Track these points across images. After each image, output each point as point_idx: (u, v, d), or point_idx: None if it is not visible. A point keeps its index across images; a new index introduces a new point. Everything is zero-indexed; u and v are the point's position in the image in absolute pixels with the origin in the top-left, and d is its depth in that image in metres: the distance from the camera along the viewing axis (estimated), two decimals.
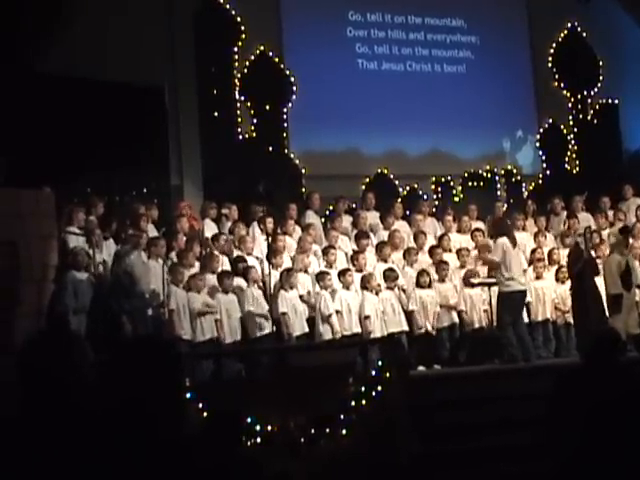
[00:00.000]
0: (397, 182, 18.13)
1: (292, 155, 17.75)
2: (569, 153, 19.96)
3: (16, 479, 3.22)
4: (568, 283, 14.65)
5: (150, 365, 3.44)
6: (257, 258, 13.76)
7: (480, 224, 16.07)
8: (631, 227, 15.20)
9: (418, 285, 14.16)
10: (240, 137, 17.34)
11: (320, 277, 13.58)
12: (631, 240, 15.33)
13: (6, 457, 3.24)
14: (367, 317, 13.58)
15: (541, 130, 19.97)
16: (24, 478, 3.22)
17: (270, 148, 17.40)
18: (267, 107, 17.45)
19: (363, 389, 10.25)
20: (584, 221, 15.96)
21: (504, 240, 13.34)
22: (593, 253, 14.77)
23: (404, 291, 14.16)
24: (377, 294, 13.81)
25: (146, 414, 3.36)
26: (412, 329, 13.96)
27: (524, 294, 13.47)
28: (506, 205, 17.55)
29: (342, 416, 9.94)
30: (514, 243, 13.45)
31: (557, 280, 14.89)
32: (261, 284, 13.27)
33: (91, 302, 12.08)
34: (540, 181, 19.50)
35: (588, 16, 20.39)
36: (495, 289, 14.31)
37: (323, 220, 15.91)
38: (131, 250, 12.56)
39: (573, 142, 19.99)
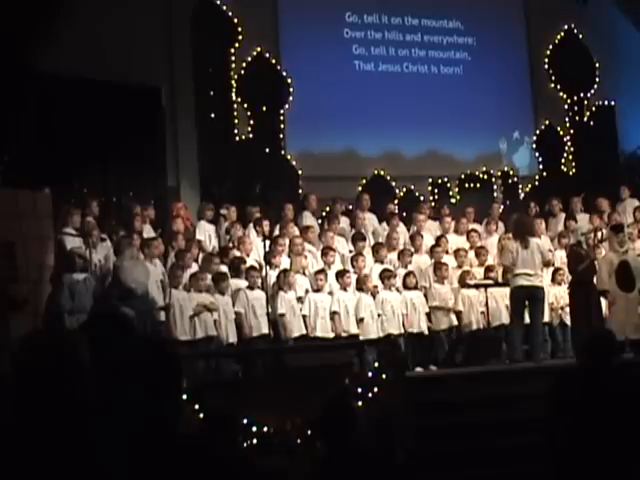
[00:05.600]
0: (394, 183, 18.14)
1: (289, 156, 17.76)
2: (565, 155, 19.99)
3: (13, 478, 3.23)
4: (564, 284, 14.68)
5: (148, 366, 3.45)
6: (256, 260, 13.73)
7: (476, 226, 16.09)
8: (624, 225, 15.16)
9: (405, 286, 14.16)
10: (237, 138, 17.34)
11: (315, 276, 13.60)
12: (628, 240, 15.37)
13: (4, 456, 3.25)
14: (361, 319, 13.60)
15: (538, 132, 19.99)
16: (21, 476, 3.22)
17: (267, 149, 17.41)
18: (264, 108, 17.46)
19: (360, 390, 10.25)
20: (582, 222, 16.01)
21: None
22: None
23: (398, 291, 14.16)
24: (373, 296, 13.84)
25: (144, 414, 3.36)
26: (405, 330, 13.98)
27: (530, 290, 13.39)
28: (502, 207, 17.57)
29: None
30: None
31: (553, 281, 14.86)
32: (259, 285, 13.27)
33: (92, 304, 12.03)
34: (537, 183, 19.52)
35: (585, 18, 20.41)
36: (491, 290, 14.38)
37: (320, 221, 15.89)
38: (127, 251, 12.54)
39: (569, 144, 20.01)
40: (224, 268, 13.42)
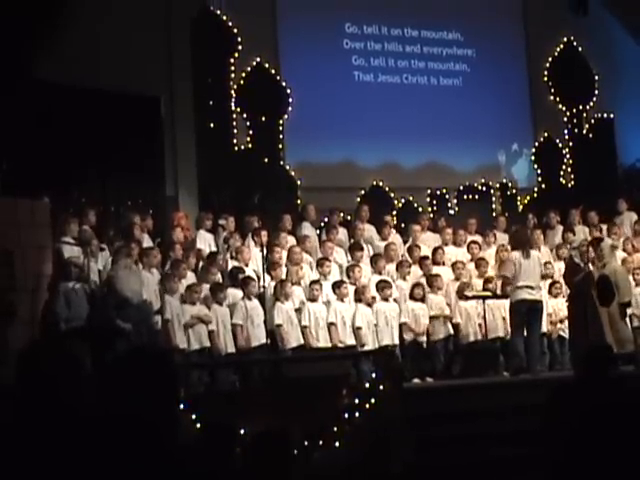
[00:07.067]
0: (392, 194, 18.14)
1: (288, 166, 17.74)
2: (564, 167, 19.99)
3: None
4: (561, 297, 14.67)
5: (146, 375, 3.45)
6: (254, 271, 13.70)
7: (476, 237, 16.07)
8: (603, 239, 15.11)
9: (412, 297, 14.16)
10: (236, 148, 17.33)
11: (310, 287, 13.58)
12: (625, 254, 15.35)
13: (3, 462, 3.25)
14: (359, 328, 13.58)
15: (536, 144, 19.99)
16: None
17: (266, 159, 17.40)
18: (263, 118, 17.46)
19: (357, 401, 10.25)
20: (580, 235, 15.98)
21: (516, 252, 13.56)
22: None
23: (396, 302, 14.13)
24: (371, 306, 13.81)
25: (142, 424, 3.36)
26: (403, 341, 13.96)
27: (531, 304, 13.43)
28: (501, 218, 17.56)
29: (336, 428, 9.93)
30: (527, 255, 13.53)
31: (550, 294, 14.83)
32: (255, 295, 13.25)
33: (88, 314, 12.01)
34: (535, 195, 19.53)
35: (584, 30, 20.43)
36: (489, 302, 14.35)
37: (318, 232, 15.87)
38: (122, 260, 12.52)
39: (568, 156, 20.01)
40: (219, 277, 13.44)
